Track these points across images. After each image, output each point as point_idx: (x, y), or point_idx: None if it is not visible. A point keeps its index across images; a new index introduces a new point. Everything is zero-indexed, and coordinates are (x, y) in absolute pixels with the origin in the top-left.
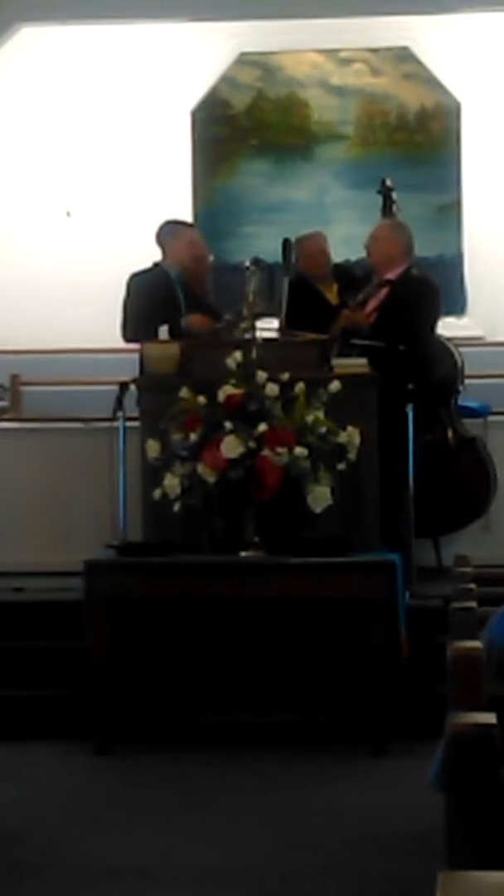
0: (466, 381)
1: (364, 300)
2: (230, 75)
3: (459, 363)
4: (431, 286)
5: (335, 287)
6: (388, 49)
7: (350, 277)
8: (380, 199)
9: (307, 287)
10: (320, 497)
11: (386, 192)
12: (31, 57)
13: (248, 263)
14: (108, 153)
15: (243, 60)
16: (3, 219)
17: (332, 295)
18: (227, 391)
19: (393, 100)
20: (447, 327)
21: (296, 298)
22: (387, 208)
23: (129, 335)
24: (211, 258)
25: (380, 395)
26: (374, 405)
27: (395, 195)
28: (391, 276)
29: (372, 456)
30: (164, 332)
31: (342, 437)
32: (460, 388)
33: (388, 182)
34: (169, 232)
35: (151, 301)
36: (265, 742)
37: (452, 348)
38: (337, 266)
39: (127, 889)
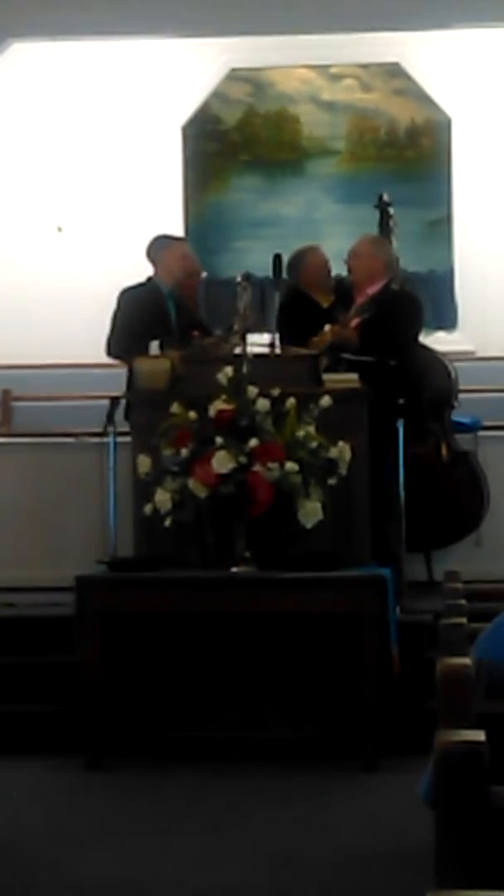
0: (459, 396)
1: (353, 318)
2: (221, 91)
3: (454, 377)
4: (412, 299)
5: (332, 299)
6: (379, 65)
7: (344, 293)
8: (376, 214)
9: (302, 298)
10: (311, 512)
11: (383, 207)
12: (22, 73)
13: (239, 279)
14: (99, 169)
15: (234, 76)
16: None
17: (326, 304)
18: (217, 406)
19: (383, 115)
20: (438, 342)
21: (291, 311)
22: (384, 223)
23: (113, 351)
24: (204, 274)
25: (370, 410)
26: (364, 420)
27: (392, 210)
28: (371, 291)
29: (363, 471)
30: (154, 347)
31: (333, 452)
32: (455, 402)
33: (386, 197)
34: (160, 246)
35: (142, 316)
36: (256, 757)
37: (447, 362)
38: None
39: None
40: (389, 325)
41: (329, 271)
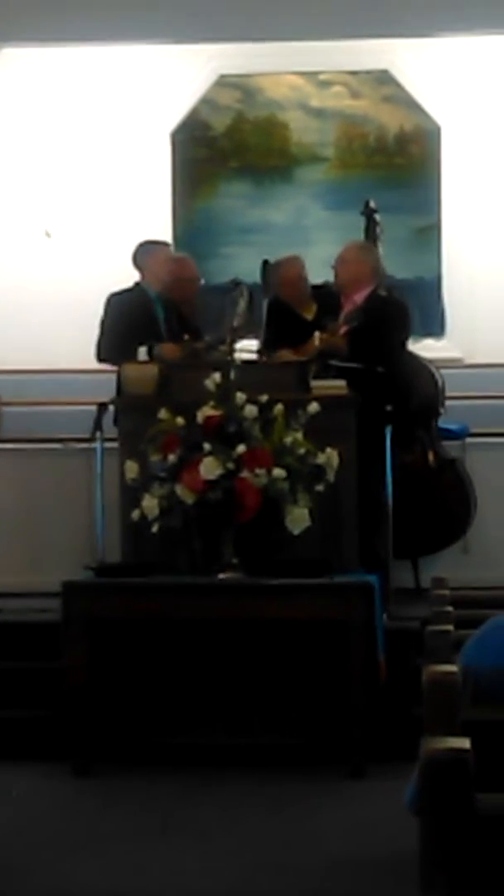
0: (445, 403)
1: (342, 325)
2: (210, 97)
3: (440, 385)
4: (400, 305)
5: (314, 308)
6: (368, 72)
7: (329, 299)
8: (362, 221)
9: (284, 309)
10: (299, 518)
11: (369, 214)
12: (12, 78)
13: (233, 285)
14: (88, 174)
15: (223, 82)
16: None
17: (310, 315)
18: (205, 412)
19: (372, 122)
20: (426, 349)
21: (273, 320)
22: (370, 230)
23: (102, 355)
24: (202, 281)
25: (358, 417)
26: (352, 427)
27: (378, 217)
28: (358, 297)
29: (350, 477)
30: (142, 353)
31: (321, 459)
32: (441, 410)
33: (372, 204)
34: (145, 252)
35: (129, 321)
36: (243, 764)
37: (434, 370)
38: (316, 287)
39: None
40: (378, 331)
41: (306, 283)
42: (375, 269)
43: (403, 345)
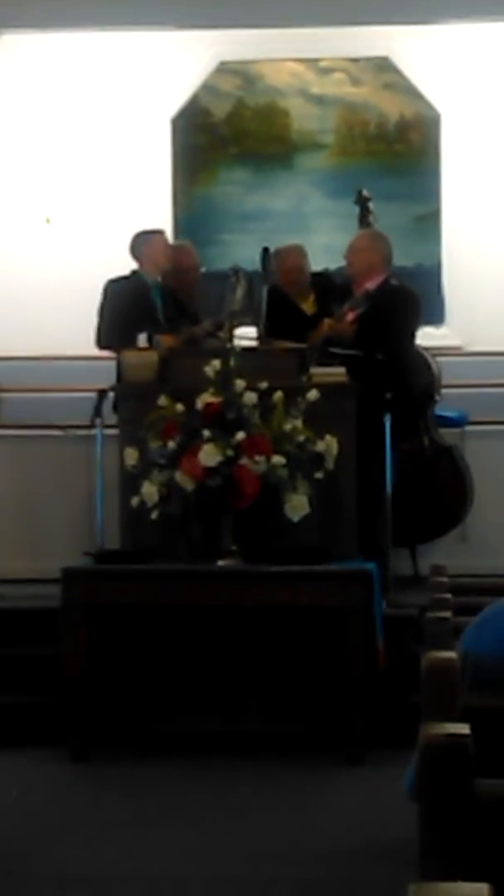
0: (444, 391)
1: (348, 311)
2: (210, 83)
3: (436, 373)
4: (411, 295)
5: (312, 297)
6: (368, 59)
7: (329, 287)
8: (356, 210)
9: (282, 298)
10: (298, 506)
11: (363, 203)
12: (11, 64)
13: (231, 272)
14: (88, 160)
15: (223, 69)
16: None
17: (307, 305)
18: (205, 399)
19: (373, 109)
20: (425, 337)
21: (272, 308)
22: (363, 218)
23: (102, 342)
24: (202, 270)
25: (358, 405)
26: (352, 414)
27: (371, 205)
28: (370, 286)
29: (350, 465)
30: (142, 339)
31: (320, 446)
32: (437, 397)
33: (365, 192)
34: (142, 242)
35: (127, 308)
36: (241, 750)
37: (429, 358)
38: (315, 275)
39: None
40: (386, 319)
41: (306, 273)
42: (387, 258)
43: (413, 334)
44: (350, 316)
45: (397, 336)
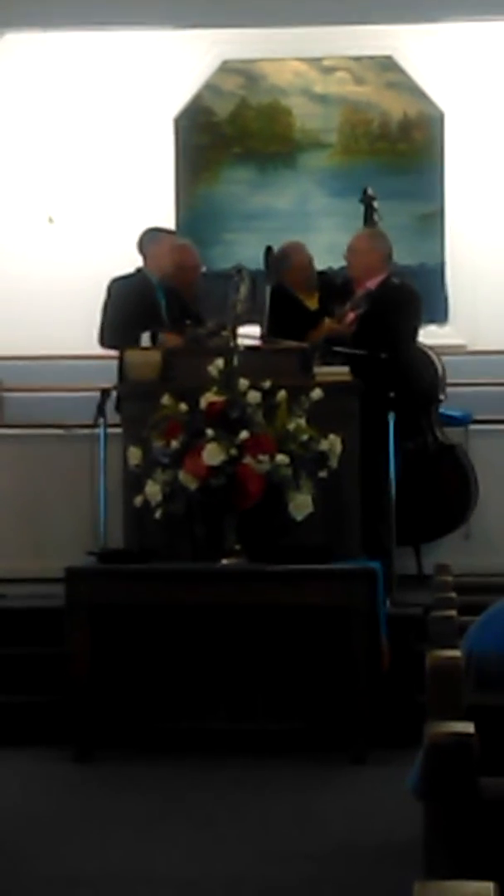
0: (448, 390)
1: (349, 311)
2: (213, 83)
3: (440, 372)
4: (412, 293)
5: (316, 296)
6: (371, 58)
7: (329, 286)
8: (361, 208)
9: (287, 296)
10: (302, 505)
11: (368, 201)
12: (15, 63)
13: (234, 271)
14: (91, 160)
15: (226, 68)
16: None
17: (312, 303)
18: (208, 398)
19: (376, 108)
20: (429, 335)
21: (276, 306)
22: (368, 217)
23: (106, 340)
24: (203, 269)
25: (361, 403)
26: (355, 413)
27: (376, 204)
28: (371, 285)
29: (353, 464)
30: (145, 338)
31: (324, 445)
32: (441, 396)
33: (370, 191)
34: (150, 239)
35: (131, 307)
36: (245, 750)
37: (433, 356)
38: (318, 274)
39: None
40: (387, 318)
41: (314, 270)
42: (387, 257)
43: (415, 333)
44: (351, 316)
45: (399, 334)
